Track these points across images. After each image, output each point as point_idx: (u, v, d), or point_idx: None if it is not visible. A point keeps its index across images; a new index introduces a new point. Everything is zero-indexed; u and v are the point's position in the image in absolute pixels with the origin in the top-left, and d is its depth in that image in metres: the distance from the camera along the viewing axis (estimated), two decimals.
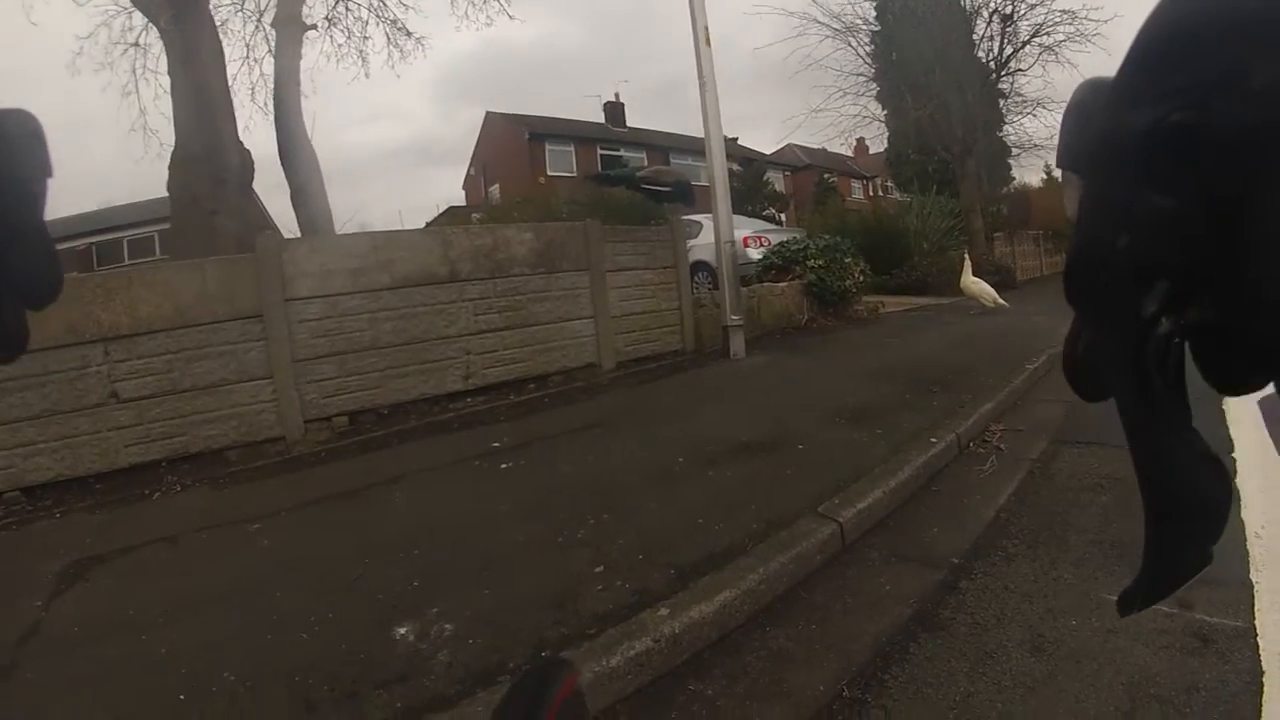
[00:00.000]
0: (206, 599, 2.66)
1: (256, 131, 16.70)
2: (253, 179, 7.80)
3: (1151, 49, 0.27)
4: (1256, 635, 2.04)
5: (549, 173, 25.08)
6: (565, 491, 3.48)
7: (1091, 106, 0.30)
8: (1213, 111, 0.24)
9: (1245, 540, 2.59)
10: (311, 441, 5.11)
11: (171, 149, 7.31)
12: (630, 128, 29.86)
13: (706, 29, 6.83)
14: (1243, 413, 4.06)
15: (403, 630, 2.30)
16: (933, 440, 3.76)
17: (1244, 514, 2.81)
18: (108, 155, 22.50)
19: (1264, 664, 1.92)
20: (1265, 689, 1.84)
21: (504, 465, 4.06)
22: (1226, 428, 3.83)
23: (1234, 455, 3.44)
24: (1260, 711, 1.77)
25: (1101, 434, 4.07)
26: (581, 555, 2.75)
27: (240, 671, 2.13)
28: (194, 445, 4.76)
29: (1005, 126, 17.98)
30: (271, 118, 9.29)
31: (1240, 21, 0.24)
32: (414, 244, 5.73)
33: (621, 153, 27.15)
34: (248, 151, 7.61)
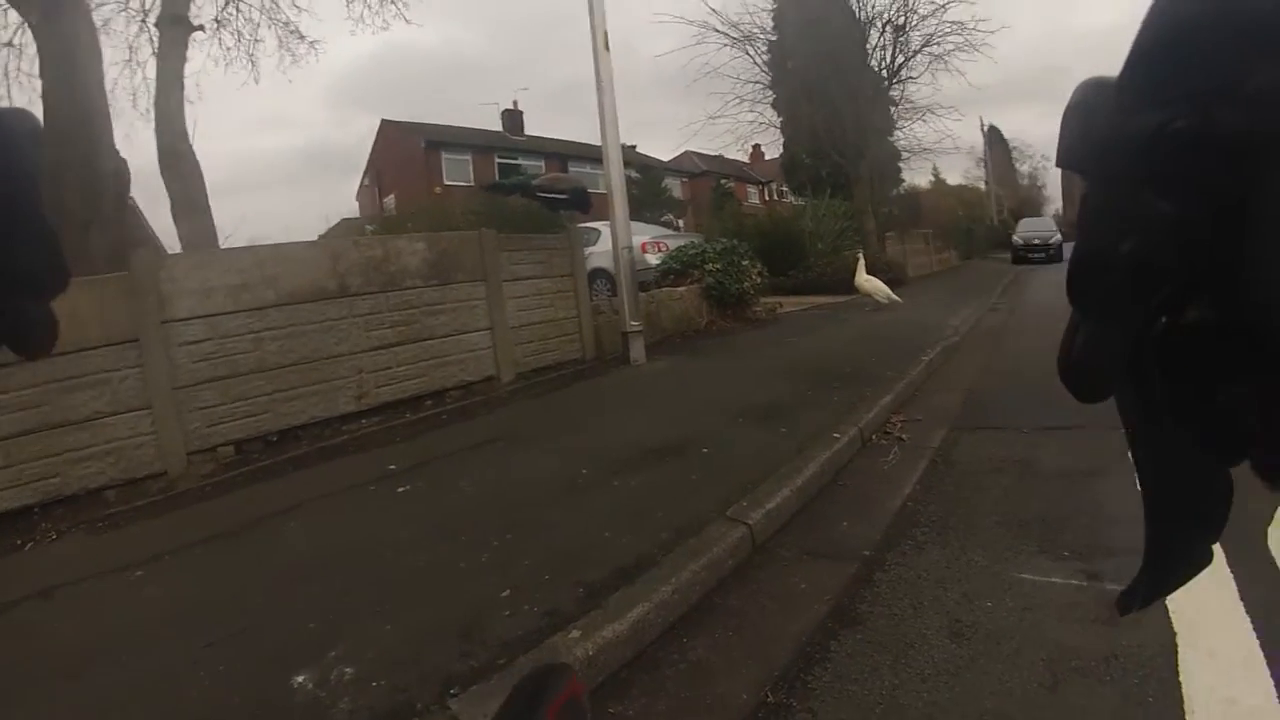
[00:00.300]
0: (89, 657, 2.40)
1: (138, 139, 15.59)
2: (129, 190, 7.22)
3: (1152, 51, 0.26)
4: (1165, 599, 2.09)
5: (445, 182, 24.57)
6: (467, 512, 3.30)
7: (1093, 107, 0.29)
8: (1215, 117, 0.24)
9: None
10: (196, 475, 4.70)
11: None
12: (529, 136, 29.60)
13: (606, 34, 6.75)
14: None
15: (301, 678, 2.10)
16: (836, 435, 3.78)
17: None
18: None
19: (1175, 626, 1.98)
20: (1179, 649, 1.89)
21: (401, 489, 3.84)
22: None
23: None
24: (1177, 670, 1.81)
25: (997, 418, 4.21)
26: (487, 579, 2.59)
27: None
28: (69, 486, 4.27)
29: (896, 132, 18.81)
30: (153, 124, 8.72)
31: (1241, 23, 0.23)
32: (300, 258, 5.38)
33: (520, 161, 26.88)
34: (124, 160, 7.02)
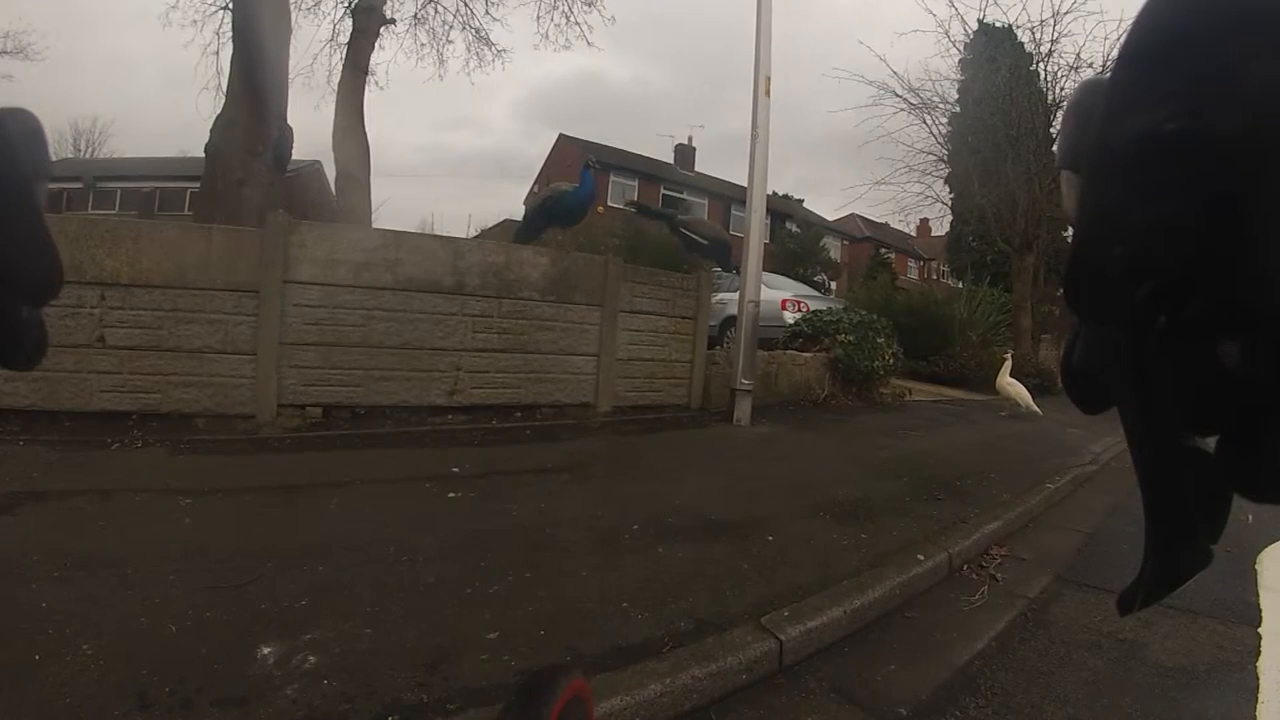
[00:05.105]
0: (108, 562, 2.58)
1: (326, 113, 17.05)
2: (290, 156, 7.78)
3: (1142, 52, 0.26)
4: None
5: (608, 203, 25.11)
6: (499, 538, 3.15)
7: (1090, 108, 0.29)
8: (1206, 117, 0.23)
9: None
10: (280, 426, 4.98)
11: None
12: (697, 173, 29.89)
13: (768, 79, 6.58)
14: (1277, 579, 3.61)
15: (266, 650, 2.10)
16: (920, 557, 3.34)
17: (1259, 713, 2.36)
18: (190, 107, 23.21)
19: None
20: None
21: (452, 494, 3.75)
22: (1257, 594, 3.38)
23: (1259, 630, 2.98)
24: None
25: (1113, 577, 3.61)
26: (482, 615, 2.43)
27: (100, 647, 2.03)
28: (166, 405, 4.74)
29: (1071, 227, 17.57)
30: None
31: (1228, 20, 0.23)
32: (423, 248, 5.52)
33: (685, 195, 27.13)
34: (289, 128, 7.59)
